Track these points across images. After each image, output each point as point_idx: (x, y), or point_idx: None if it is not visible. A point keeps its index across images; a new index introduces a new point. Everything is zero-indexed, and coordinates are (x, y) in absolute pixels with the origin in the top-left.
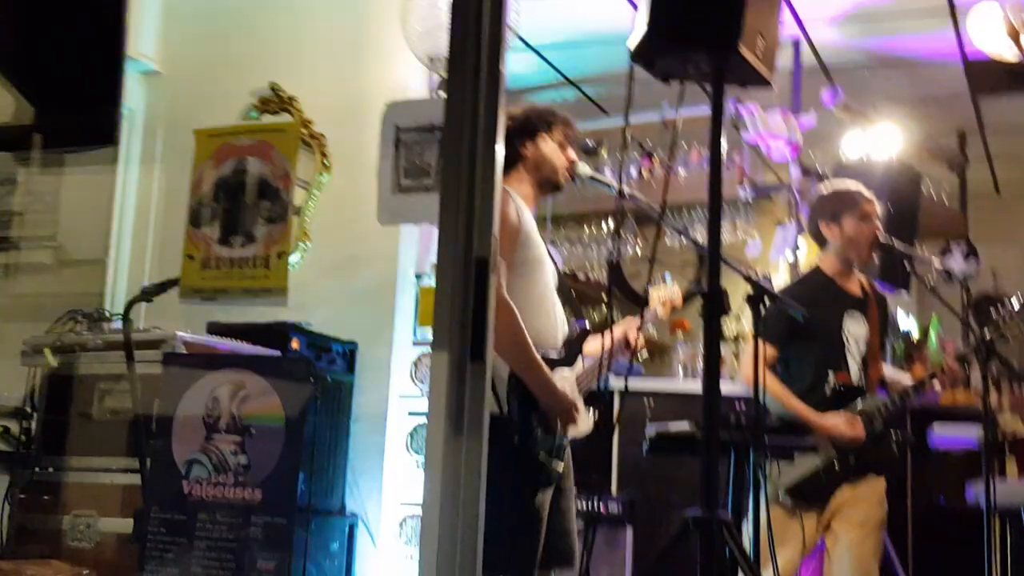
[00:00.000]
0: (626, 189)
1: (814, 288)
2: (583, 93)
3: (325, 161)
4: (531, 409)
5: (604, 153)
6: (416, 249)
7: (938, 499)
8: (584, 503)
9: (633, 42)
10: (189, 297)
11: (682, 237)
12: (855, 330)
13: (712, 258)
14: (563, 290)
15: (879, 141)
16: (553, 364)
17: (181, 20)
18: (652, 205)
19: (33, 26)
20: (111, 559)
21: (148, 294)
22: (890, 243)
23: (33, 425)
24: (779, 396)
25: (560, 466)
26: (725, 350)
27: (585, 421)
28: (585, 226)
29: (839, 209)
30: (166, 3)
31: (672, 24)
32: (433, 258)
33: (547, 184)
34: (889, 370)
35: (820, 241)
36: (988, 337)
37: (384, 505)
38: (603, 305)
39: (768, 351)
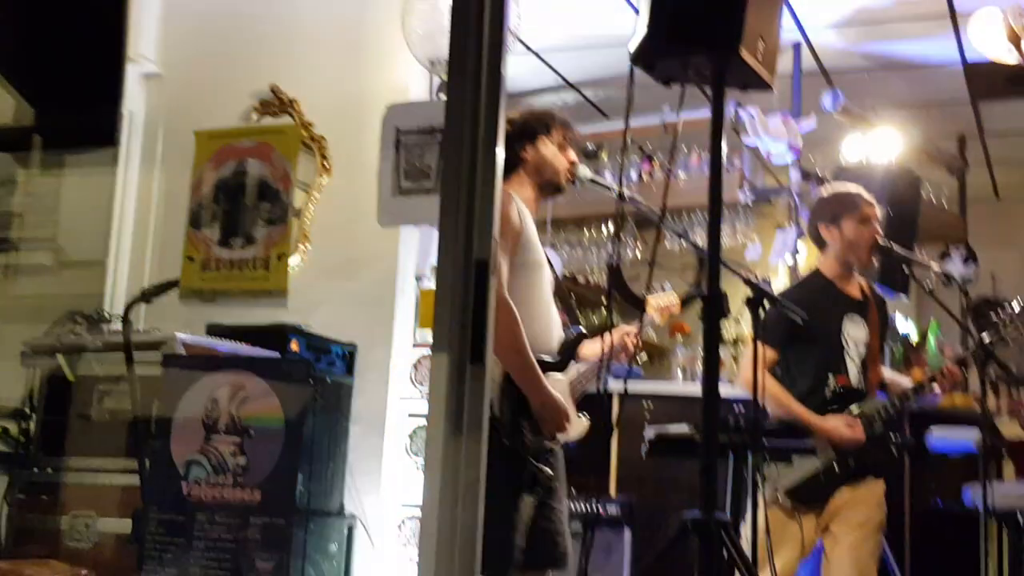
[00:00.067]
0: (626, 192)
1: (813, 291)
2: (583, 96)
3: (325, 163)
4: (522, 412)
5: (604, 156)
6: (416, 251)
7: (935, 501)
8: (583, 505)
9: (633, 45)
10: (189, 298)
11: (682, 240)
12: (855, 333)
13: (712, 261)
14: (560, 295)
15: (879, 145)
16: (546, 368)
17: (181, 22)
18: (652, 208)
19: (34, 27)
20: (110, 559)
21: (148, 295)
22: (889, 246)
23: (32, 426)
24: (779, 399)
25: (548, 471)
26: (724, 353)
27: (577, 426)
28: (585, 229)
29: (839, 212)
30: (166, 5)
31: (672, 27)
32: (433, 260)
33: (548, 187)
34: (888, 373)
35: (820, 244)
36: (986, 341)
37: (383, 506)
38: (603, 308)
39: (768, 354)
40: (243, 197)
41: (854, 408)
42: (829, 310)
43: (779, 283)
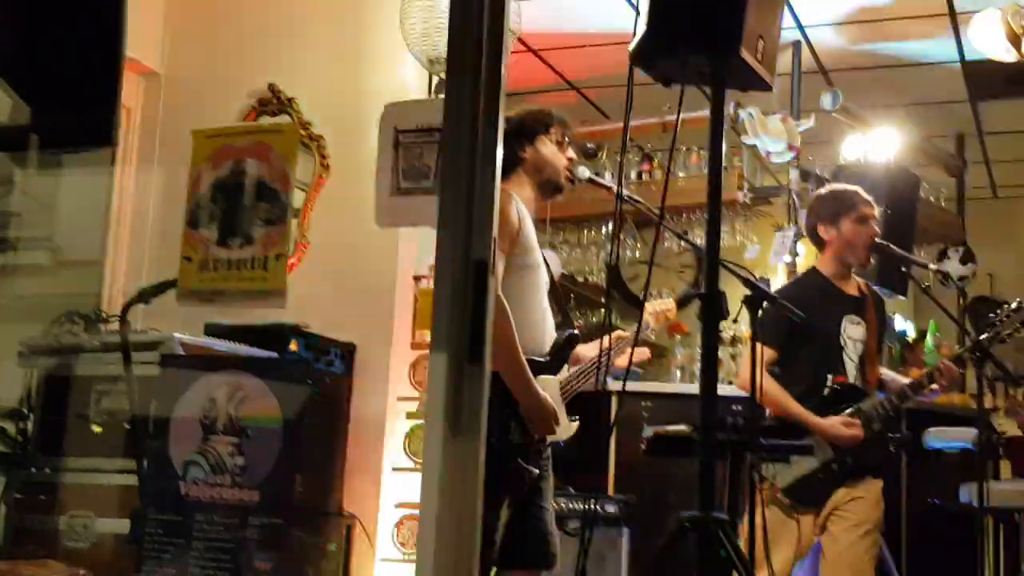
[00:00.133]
0: (625, 192)
1: (811, 289)
2: (583, 96)
3: (324, 162)
4: (510, 411)
5: (604, 156)
6: (415, 251)
7: (933, 500)
8: (581, 504)
9: (633, 45)
10: (186, 299)
11: (681, 240)
12: (852, 332)
13: (711, 261)
14: (555, 297)
15: (878, 144)
16: (538, 369)
17: (180, 21)
18: (651, 208)
19: (30, 26)
20: (108, 560)
21: (146, 295)
22: (886, 246)
23: (30, 426)
24: (777, 398)
25: (534, 471)
26: (723, 352)
27: (566, 428)
28: (584, 229)
29: (837, 211)
30: (165, 4)
31: (672, 27)
32: (432, 260)
33: (547, 186)
34: (886, 372)
35: (818, 243)
36: (984, 338)
37: (382, 506)
38: (602, 308)
39: (766, 353)
40: (241, 197)
41: (852, 407)
42: (827, 309)
43: (778, 283)
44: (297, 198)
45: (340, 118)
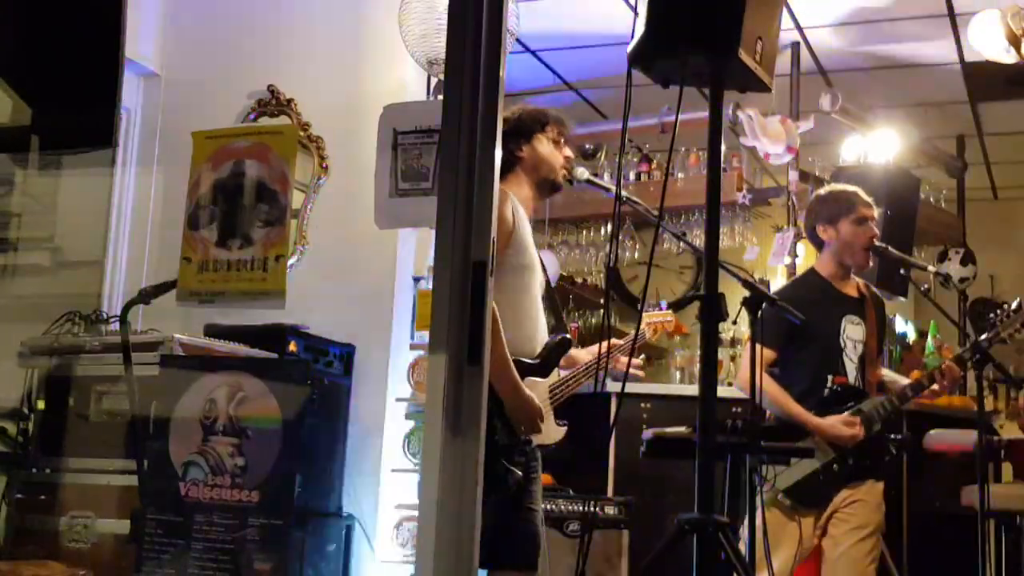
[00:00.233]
0: (624, 193)
1: (811, 290)
2: (582, 97)
3: (323, 164)
4: (495, 411)
5: (602, 157)
6: (414, 252)
7: (933, 502)
8: (581, 506)
9: (631, 46)
10: (186, 299)
11: (680, 241)
12: (852, 332)
13: (710, 262)
14: (550, 299)
15: (877, 145)
16: (526, 370)
17: (180, 22)
18: (650, 209)
19: (32, 27)
20: (108, 560)
21: (146, 296)
22: (885, 247)
23: (30, 426)
24: (777, 399)
25: (518, 472)
26: (722, 354)
27: (553, 432)
28: (583, 230)
29: (836, 212)
30: (165, 5)
31: (671, 28)
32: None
33: (545, 184)
34: (887, 373)
35: (817, 244)
36: (983, 339)
37: (381, 507)
38: (600, 309)
39: (766, 354)
40: (241, 198)
41: (852, 407)
42: (827, 310)
43: (777, 284)
44: (296, 199)
45: (339, 119)
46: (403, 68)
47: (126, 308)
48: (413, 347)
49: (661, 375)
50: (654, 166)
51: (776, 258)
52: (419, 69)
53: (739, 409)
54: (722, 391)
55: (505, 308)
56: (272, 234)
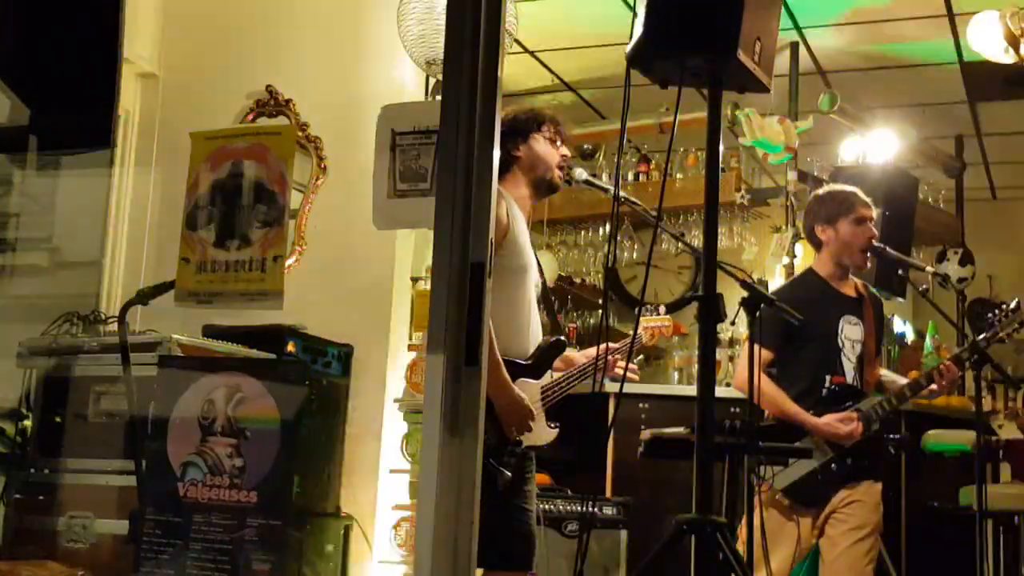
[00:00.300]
0: (623, 193)
1: (809, 290)
2: (580, 97)
3: (321, 164)
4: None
5: (601, 157)
6: (412, 252)
7: (931, 502)
8: (579, 507)
9: (630, 46)
10: (184, 300)
11: (679, 242)
12: (850, 332)
13: (708, 263)
14: (545, 301)
15: (876, 145)
16: (518, 371)
17: (178, 22)
18: (649, 209)
19: (30, 28)
20: (107, 560)
21: (144, 297)
22: (883, 248)
23: (29, 426)
24: (774, 399)
25: (507, 473)
26: (720, 354)
27: (544, 433)
28: (581, 230)
29: (835, 212)
30: (163, 5)
31: (669, 28)
32: (429, 262)
33: (542, 183)
34: (885, 373)
35: (815, 244)
36: (981, 339)
37: (379, 508)
38: (599, 310)
39: (763, 354)
40: (239, 198)
41: (850, 407)
42: (825, 310)
43: (776, 284)
44: (294, 199)
45: (337, 119)
46: (401, 68)
47: (124, 308)
48: (411, 348)
49: (659, 375)
50: (653, 166)
51: (774, 258)
52: (417, 69)
53: (737, 409)
54: (720, 391)
55: (498, 307)
56: (270, 234)
